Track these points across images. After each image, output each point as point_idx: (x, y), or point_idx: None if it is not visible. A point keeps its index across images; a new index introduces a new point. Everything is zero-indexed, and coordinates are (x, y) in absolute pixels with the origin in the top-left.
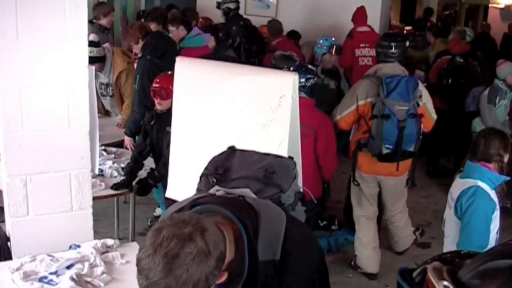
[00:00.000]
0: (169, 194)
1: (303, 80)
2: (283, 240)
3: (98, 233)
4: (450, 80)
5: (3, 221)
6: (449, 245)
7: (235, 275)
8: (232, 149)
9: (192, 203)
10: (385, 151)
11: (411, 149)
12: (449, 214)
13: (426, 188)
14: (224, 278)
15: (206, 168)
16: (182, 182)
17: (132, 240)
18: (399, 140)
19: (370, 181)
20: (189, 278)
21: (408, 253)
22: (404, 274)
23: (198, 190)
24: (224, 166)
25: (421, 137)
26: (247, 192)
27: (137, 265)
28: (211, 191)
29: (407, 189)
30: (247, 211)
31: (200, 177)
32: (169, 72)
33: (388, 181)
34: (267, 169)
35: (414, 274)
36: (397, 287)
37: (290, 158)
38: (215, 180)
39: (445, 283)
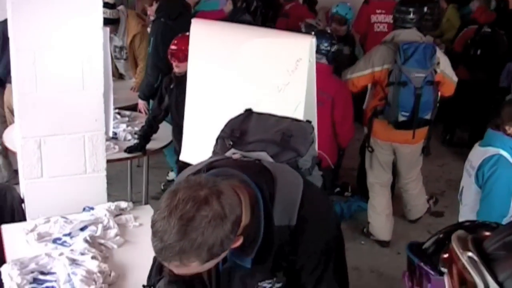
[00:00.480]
0: (183, 157)
1: (326, 44)
2: (300, 206)
3: (111, 196)
4: (479, 51)
5: (18, 183)
6: (467, 214)
7: (250, 240)
8: (249, 112)
9: (209, 166)
10: (401, 118)
11: (428, 117)
12: (467, 183)
13: (441, 157)
14: (239, 242)
15: (222, 131)
16: (197, 146)
17: (145, 204)
18: (415, 108)
19: (385, 149)
20: (204, 242)
21: (421, 221)
22: (413, 247)
23: (214, 152)
24: (241, 129)
25: (438, 104)
26: (264, 155)
27: (152, 227)
28: (228, 154)
29: (422, 157)
30: (264, 175)
31: (217, 140)
32: (187, 33)
33: (404, 148)
34: (284, 133)
35: (426, 245)
36: (407, 261)
37: (308, 122)
38: (231, 143)
39: (470, 254)
